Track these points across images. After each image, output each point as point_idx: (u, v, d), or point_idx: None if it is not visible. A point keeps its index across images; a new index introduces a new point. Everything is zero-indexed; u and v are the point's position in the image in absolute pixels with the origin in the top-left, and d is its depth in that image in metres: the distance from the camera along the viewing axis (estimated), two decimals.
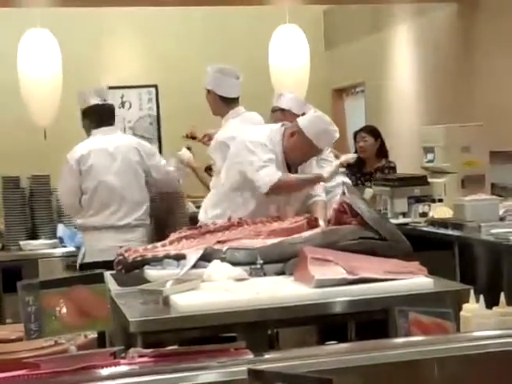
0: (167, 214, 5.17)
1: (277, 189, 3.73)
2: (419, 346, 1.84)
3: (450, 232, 4.73)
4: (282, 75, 6.98)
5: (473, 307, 2.16)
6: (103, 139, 4.42)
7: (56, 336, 1.94)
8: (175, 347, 1.97)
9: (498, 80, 5.76)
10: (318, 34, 8.39)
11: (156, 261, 3.12)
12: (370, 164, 6.02)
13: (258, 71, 7.22)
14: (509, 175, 5.40)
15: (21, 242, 5.10)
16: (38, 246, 5.11)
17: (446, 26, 6.52)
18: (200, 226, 3.62)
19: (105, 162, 4.35)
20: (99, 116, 4.47)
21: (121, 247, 4.14)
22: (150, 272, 3.08)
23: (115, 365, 1.71)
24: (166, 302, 2.75)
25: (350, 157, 5.30)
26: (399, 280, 2.89)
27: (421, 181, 5.40)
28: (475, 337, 1.94)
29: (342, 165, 5.13)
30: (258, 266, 3.07)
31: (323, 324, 3.77)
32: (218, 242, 3.27)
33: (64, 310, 1.96)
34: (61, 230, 5.17)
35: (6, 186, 5.18)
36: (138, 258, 3.15)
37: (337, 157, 5.10)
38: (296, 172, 3.92)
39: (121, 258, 3.20)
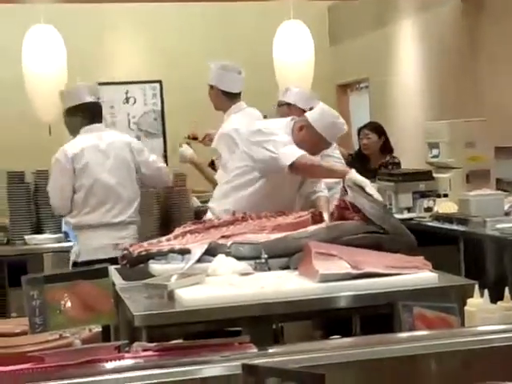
0: (172, 209, 5.18)
1: (300, 165, 3.62)
2: (423, 340, 1.84)
3: (454, 227, 4.72)
4: (286, 71, 6.98)
5: (477, 302, 2.16)
6: (93, 137, 4.37)
7: (60, 330, 1.94)
8: (179, 341, 1.97)
9: (502, 75, 5.75)
10: (322, 29, 8.38)
11: (161, 255, 3.12)
12: (374, 160, 6.01)
13: (263, 67, 7.22)
14: None
15: (26, 237, 5.11)
16: (42, 240, 5.11)
17: (450, 21, 6.51)
18: (204, 221, 3.62)
19: (98, 160, 4.31)
20: (92, 113, 4.41)
21: (116, 245, 4.18)
22: (155, 266, 3.08)
23: (119, 358, 1.72)
24: (171, 296, 2.76)
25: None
26: (404, 275, 2.89)
27: (426, 176, 5.39)
28: (480, 331, 1.94)
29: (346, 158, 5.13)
30: (263, 261, 3.07)
31: (327, 318, 3.77)
32: (223, 236, 3.27)
33: (68, 304, 1.96)
34: (65, 224, 5.17)
35: (11, 180, 5.19)
36: (143, 253, 3.16)
37: (342, 154, 5.09)
38: None
39: (126, 252, 3.20)
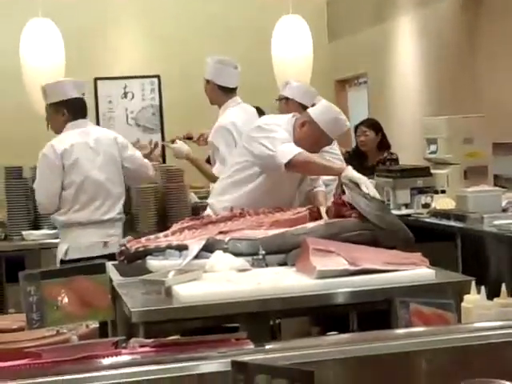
0: (170, 205, 5.18)
1: (297, 163, 3.61)
2: (419, 336, 1.84)
3: (452, 223, 4.73)
4: (284, 66, 6.98)
5: (474, 298, 2.16)
6: (80, 133, 4.31)
7: (58, 326, 1.95)
8: (177, 337, 1.97)
9: (500, 71, 5.75)
10: (321, 24, 8.38)
11: (158, 251, 3.12)
12: (371, 157, 6.02)
13: (261, 62, 7.22)
14: None
15: (23, 232, 5.11)
16: (40, 236, 5.11)
17: (449, 16, 6.50)
18: (202, 217, 3.62)
19: (88, 156, 4.27)
20: (76, 109, 4.35)
21: (105, 243, 4.18)
22: (153, 262, 3.08)
23: (116, 354, 1.72)
24: (168, 292, 2.76)
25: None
26: (401, 271, 2.89)
27: (423, 172, 5.40)
28: (476, 328, 1.94)
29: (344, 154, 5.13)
30: (260, 257, 3.07)
31: (325, 315, 3.77)
32: (220, 232, 3.27)
33: (66, 300, 1.96)
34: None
35: (9, 176, 5.18)
36: (141, 249, 3.15)
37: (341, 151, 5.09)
38: None
39: (123, 248, 3.20)
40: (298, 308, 2.85)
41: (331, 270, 2.83)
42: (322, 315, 3.88)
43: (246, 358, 1.66)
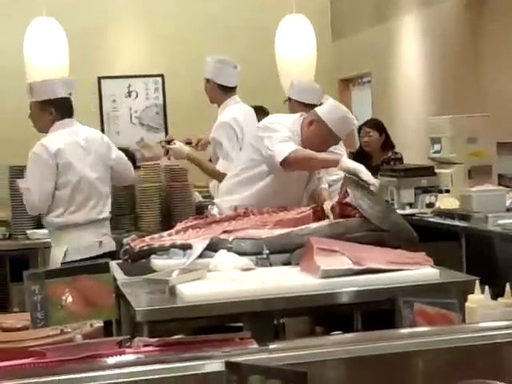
0: (174, 204, 5.18)
1: (292, 161, 3.61)
2: (423, 336, 1.84)
3: (456, 223, 4.72)
4: (288, 65, 6.97)
5: (478, 298, 2.16)
6: (70, 132, 4.27)
7: (62, 325, 1.95)
8: (181, 336, 1.97)
9: (504, 71, 5.74)
10: (324, 23, 8.37)
11: (162, 250, 3.12)
12: (375, 157, 6.01)
13: (265, 61, 7.23)
14: None
15: (28, 231, 5.11)
16: (44, 235, 5.10)
17: (453, 16, 6.49)
18: (206, 216, 3.62)
19: (80, 156, 4.23)
20: (64, 108, 4.27)
21: (100, 242, 4.16)
22: (157, 261, 3.09)
23: (120, 354, 1.72)
24: (172, 291, 2.76)
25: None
26: (405, 270, 2.89)
27: (428, 171, 5.39)
28: (480, 328, 1.94)
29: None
30: (264, 256, 3.07)
31: (329, 314, 3.77)
32: (224, 231, 3.27)
33: (70, 299, 1.97)
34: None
35: (13, 175, 5.18)
36: (145, 248, 3.16)
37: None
38: None
39: (127, 247, 3.20)
40: (302, 307, 2.85)
41: (335, 270, 2.83)
42: (325, 315, 3.88)
43: (249, 358, 1.66)
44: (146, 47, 8.25)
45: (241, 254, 3.08)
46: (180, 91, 8.03)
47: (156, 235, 3.33)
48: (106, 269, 2.12)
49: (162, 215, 5.13)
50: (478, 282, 2.25)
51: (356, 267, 2.85)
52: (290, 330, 4.31)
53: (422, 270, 2.91)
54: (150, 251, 3.14)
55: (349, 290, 2.80)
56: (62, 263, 4.12)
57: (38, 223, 5.25)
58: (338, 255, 2.91)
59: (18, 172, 5.19)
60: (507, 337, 1.85)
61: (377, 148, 6.02)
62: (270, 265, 3.07)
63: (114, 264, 3.19)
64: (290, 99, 5.09)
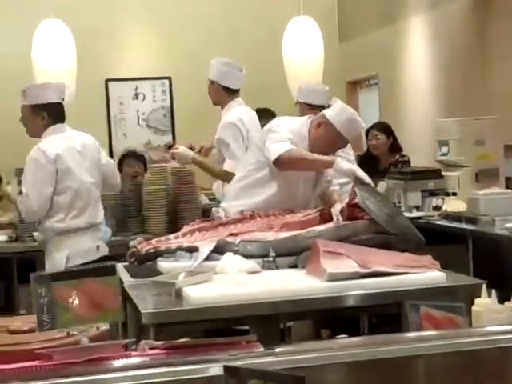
0: (180, 206, 5.19)
1: (285, 160, 3.62)
2: (430, 340, 1.84)
3: (463, 226, 4.72)
4: (295, 67, 6.97)
5: (485, 302, 2.15)
6: (64, 137, 4.26)
7: (68, 327, 1.95)
8: (187, 339, 1.97)
9: None
10: (331, 26, 8.36)
11: (169, 253, 3.13)
12: (383, 160, 6.00)
13: (272, 63, 7.22)
14: None
15: (34, 234, 5.12)
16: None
17: (460, 18, 6.48)
18: (213, 219, 3.63)
19: (78, 161, 4.23)
20: (56, 113, 4.26)
21: (97, 246, 4.17)
22: (163, 264, 3.09)
23: (126, 357, 1.72)
24: (179, 294, 2.76)
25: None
26: (412, 274, 2.89)
27: (435, 174, 5.38)
28: (487, 332, 1.93)
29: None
30: (271, 259, 3.07)
31: (335, 317, 3.77)
32: (231, 234, 3.27)
33: (76, 302, 1.96)
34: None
35: (20, 177, 5.20)
36: (151, 250, 3.16)
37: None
38: None
39: (134, 250, 3.21)
40: (308, 310, 2.85)
41: (341, 273, 2.83)
42: (332, 318, 3.88)
43: (255, 361, 1.66)
44: (154, 50, 8.25)
45: (247, 256, 3.09)
46: (187, 94, 8.03)
47: (163, 238, 3.34)
48: (112, 271, 2.12)
49: (169, 218, 5.13)
50: (484, 286, 2.25)
51: (362, 270, 2.84)
52: (295, 333, 4.31)
53: (429, 274, 2.91)
54: (157, 254, 3.14)
55: (355, 294, 2.79)
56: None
57: None
58: (344, 258, 2.90)
59: None
60: None
61: (384, 151, 6.01)
62: (277, 267, 3.07)
63: (120, 266, 3.20)
64: (299, 103, 5.15)
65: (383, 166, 5.95)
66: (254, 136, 4.60)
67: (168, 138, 8.28)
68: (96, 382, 1.63)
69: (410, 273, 2.89)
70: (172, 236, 3.34)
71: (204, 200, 5.47)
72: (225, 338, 1.82)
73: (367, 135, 6.19)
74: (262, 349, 1.77)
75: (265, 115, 5.25)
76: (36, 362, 1.70)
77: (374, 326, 3.64)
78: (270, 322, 2.79)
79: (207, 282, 2.86)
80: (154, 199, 5.12)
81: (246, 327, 2.95)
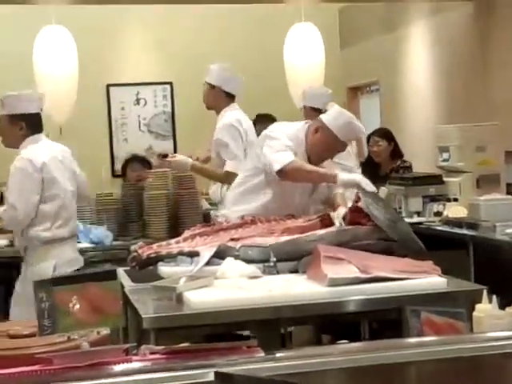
0: (181, 211, 5.19)
1: (289, 171, 3.64)
2: (430, 346, 1.84)
3: (464, 231, 4.71)
4: (297, 73, 6.99)
5: (485, 307, 2.15)
6: (44, 147, 4.21)
7: (69, 332, 1.95)
8: (187, 344, 1.97)
9: None
10: (333, 32, 8.38)
11: (170, 257, 3.13)
12: (384, 166, 6.01)
13: (273, 69, 7.23)
14: None
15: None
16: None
17: (461, 25, 6.49)
18: (213, 224, 3.63)
19: (61, 170, 4.20)
20: (35, 123, 4.20)
21: (77, 256, 4.19)
22: (164, 269, 3.09)
23: (127, 361, 1.72)
24: (179, 298, 2.76)
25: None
26: (412, 279, 2.88)
27: (436, 180, 5.39)
28: (488, 338, 1.93)
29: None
30: (271, 264, 3.07)
31: (336, 323, 3.77)
32: (232, 239, 3.27)
33: (77, 307, 1.97)
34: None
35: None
36: (152, 255, 3.16)
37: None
38: None
39: (135, 254, 3.21)
40: (308, 315, 2.85)
41: (342, 278, 2.82)
42: (332, 323, 3.87)
43: (256, 366, 1.66)
44: (155, 55, 8.27)
45: (248, 261, 3.09)
46: (188, 99, 8.03)
47: (163, 242, 3.34)
48: (113, 276, 2.13)
49: (170, 222, 5.13)
50: (485, 292, 2.24)
51: (363, 276, 2.84)
52: (296, 338, 4.31)
53: (430, 279, 2.91)
54: (158, 258, 3.14)
55: (356, 299, 2.79)
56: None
57: None
58: (345, 263, 2.90)
59: None
60: None
61: (386, 157, 6.01)
62: (277, 272, 3.07)
63: (121, 271, 3.20)
64: (304, 107, 5.22)
65: (385, 171, 5.95)
66: (252, 139, 4.65)
67: (169, 143, 8.30)
68: None
69: (410, 278, 2.88)
70: (173, 241, 3.34)
71: (205, 205, 5.48)
72: (225, 342, 1.82)
73: (368, 141, 6.19)
74: (262, 354, 1.77)
75: (266, 121, 5.27)
76: (36, 367, 1.70)
77: (375, 331, 3.64)
78: (271, 327, 2.79)
79: (208, 286, 2.86)
80: (155, 204, 5.12)
81: (247, 332, 2.94)
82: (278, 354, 1.77)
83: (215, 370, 1.63)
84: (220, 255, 3.11)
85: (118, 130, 8.28)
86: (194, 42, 8.12)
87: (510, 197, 4.92)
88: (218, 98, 4.89)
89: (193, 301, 2.70)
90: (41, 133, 4.25)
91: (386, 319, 2.86)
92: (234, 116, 4.82)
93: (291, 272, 3.09)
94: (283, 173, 3.65)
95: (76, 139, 7.69)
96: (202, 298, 2.72)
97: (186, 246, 3.22)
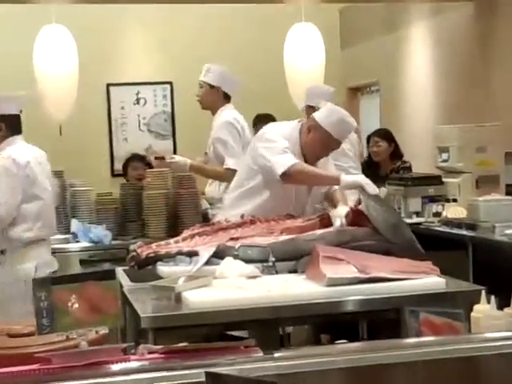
0: (181, 211, 5.19)
1: (293, 174, 3.63)
2: (429, 346, 1.84)
3: (463, 232, 4.72)
4: (297, 73, 6.98)
5: (483, 308, 2.15)
6: (23, 148, 4.21)
7: (68, 331, 1.95)
8: (185, 344, 1.98)
9: None
10: (333, 32, 8.38)
11: (169, 257, 3.13)
12: (384, 167, 6.01)
13: (274, 69, 7.23)
14: None
15: None
16: (51, 240, 5.12)
17: (462, 25, 6.49)
18: (213, 223, 3.63)
19: (41, 171, 4.21)
20: (15, 125, 4.21)
21: (54, 257, 4.18)
22: (163, 268, 3.09)
23: (125, 361, 1.72)
24: (178, 298, 2.76)
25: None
26: (411, 279, 2.88)
27: (435, 180, 5.39)
28: (486, 338, 1.94)
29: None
30: (270, 264, 3.07)
31: (334, 322, 3.77)
32: (231, 239, 3.28)
33: (76, 306, 1.97)
34: (74, 225, 5.19)
35: None
36: (151, 254, 3.16)
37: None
38: None
39: (134, 254, 3.21)
40: (307, 315, 2.85)
41: (341, 278, 2.83)
42: (331, 323, 3.87)
43: (254, 366, 1.66)
44: (155, 55, 8.27)
45: (247, 261, 3.09)
46: (188, 99, 7.99)
47: (163, 242, 3.34)
48: (112, 275, 2.13)
49: (169, 222, 5.14)
50: (484, 292, 2.24)
51: (362, 276, 2.84)
52: (295, 338, 4.31)
53: (429, 280, 2.91)
54: (157, 258, 3.14)
55: (354, 299, 2.79)
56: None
57: None
58: (343, 264, 2.90)
59: None
60: None
61: (386, 158, 6.01)
62: (276, 272, 3.07)
63: (120, 270, 3.21)
64: (306, 106, 5.25)
65: (384, 172, 5.95)
66: (249, 138, 4.67)
67: (169, 143, 8.30)
68: None
69: (409, 278, 2.89)
70: (172, 240, 3.34)
71: (204, 204, 5.48)
72: (224, 342, 1.82)
73: (368, 142, 6.19)
74: (261, 354, 1.77)
75: (266, 121, 5.27)
76: (35, 366, 1.70)
77: (374, 331, 3.63)
78: (270, 326, 2.79)
79: (207, 286, 2.86)
80: (155, 203, 5.12)
81: (245, 333, 2.94)
82: (276, 354, 1.77)
83: (212, 369, 1.63)
84: (219, 255, 3.11)
85: (117, 129, 8.28)
86: (194, 42, 8.12)
87: (509, 197, 4.92)
88: (217, 98, 4.93)
89: (191, 300, 2.70)
90: (20, 134, 4.25)
91: (384, 319, 2.85)
92: (232, 114, 4.88)
93: (290, 272, 3.10)
94: (287, 176, 3.64)
95: (76, 138, 7.73)
96: (201, 297, 2.73)
97: (185, 246, 3.22)
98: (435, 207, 5.21)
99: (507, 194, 5.16)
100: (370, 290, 2.81)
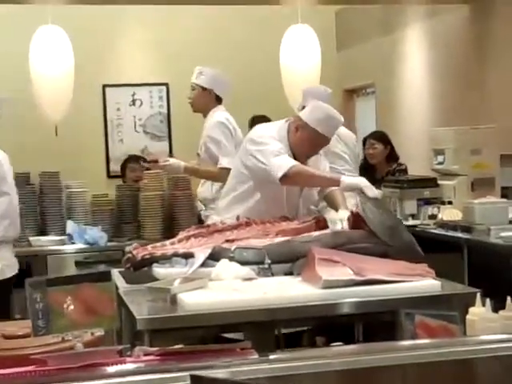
0: (176, 213, 5.19)
1: (292, 176, 3.60)
2: (424, 349, 1.84)
3: (459, 234, 4.72)
4: (292, 75, 6.98)
5: (479, 311, 2.16)
6: None
7: (63, 333, 1.95)
8: (181, 346, 1.98)
9: (509, 82, 5.74)
10: (329, 34, 8.39)
11: (164, 259, 3.12)
12: (380, 170, 6.01)
13: (269, 71, 7.23)
14: None
15: (30, 238, 5.12)
16: (47, 242, 5.13)
17: (457, 27, 6.51)
18: (208, 225, 3.62)
19: (9, 171, 4.21)
20: None
21: (16, 259, 4.14)
22: (159, 270, 3.09)
23: (121, 363, 1.72)
24: (174, 300, 2.76)
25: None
26: (406, 282, 2.89)
27: (430, 183, 5.39)
28: (481, 340, 1.94)
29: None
30: (266, 266, 3.07)
31: (330, 325, 3.77)
32: (227, 241, 3.28)
33: (71, 308, 1.97)
34: (70, 226, 5.19)
35: (17, 182, 5.19)
36: (147, 256, 3.16)
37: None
38: None
39: (129, 255, 3.21)
40: (302, 318, 2.85)
41: (337, 280, 2.83)
42: (327, 325, 3.87)
43: (249, 368, 1.66)
44: (151, 56, 8.27)
45: (243, 263, 3.08)
46: (184, 100, 7.99)
47: (158, 244, 3.33)
48: (107, 277, 2.13)
49: (165, 224, 5.14)
50: (479, 295, 2.25)
51: (357, 278, 2.84)
52: (290, 341, 4.30)
53: (424, 282, 2.91)
54: (152, 260, 3.14)
55: (350, 301, 2.79)
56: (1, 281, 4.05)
57: (41, 230, 5.26)
58: (339, 266, 2.91)
59: (21, 179, 5.21)
60: (507, 350, 1.85)
61: (381, 160, 6.02)
62: (272, 274, 3.07)
63: (115, 272, 3.20)
64: (302, 108, 5.22)
65: (380, 174, 5.95)
66: (241, 139, 4.68)
67: (165, 144, 8.30)
68: None
69: (405, 281, 2.89)
70: (168, 242, 3.33)
71: (200, 206, 5.48)
72: (219, 344, 1.82)
73: (364, 144, 6.20)
74: (256, 356, 1.77)
75: (262, 122, 5.26)
76: (30, 368, 1.70)
77: (369, 333, 3.64)
78: (266, 328, 2.79)
79: (202, 288, 2.86)
80: (150, 205, 5.13)
81: (240, 335, 2.94)
82: (271, 356, 1.77)
83: (208, 372, 1.63)
84: (215, 257, 3.11)
85: (113, 130, 8.27)
86: (190, 44, 8.12)
87: (504, 200, 4.93)
88: (209, 100, 4.97)
89: (187, 302, 2.70)
90: None
91: (380, 322, 2.86)
92: (223, 115, 4.92)
93: (286, 274, 3.10)
94: (286, 178, 3.61)
95: (71, 139, 7.72)
96: (197, 299, 2.72)
97: (181, 248, 3.22)
98: (431, 210, 5.22)
99: (502, 196, 5.17)
100: (365, 293, 2.81)
